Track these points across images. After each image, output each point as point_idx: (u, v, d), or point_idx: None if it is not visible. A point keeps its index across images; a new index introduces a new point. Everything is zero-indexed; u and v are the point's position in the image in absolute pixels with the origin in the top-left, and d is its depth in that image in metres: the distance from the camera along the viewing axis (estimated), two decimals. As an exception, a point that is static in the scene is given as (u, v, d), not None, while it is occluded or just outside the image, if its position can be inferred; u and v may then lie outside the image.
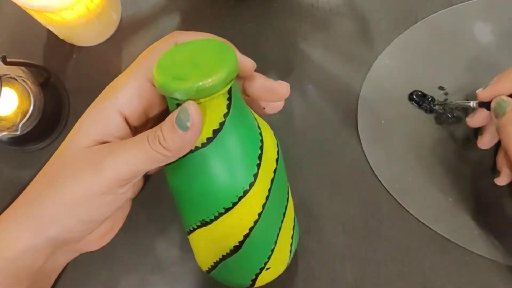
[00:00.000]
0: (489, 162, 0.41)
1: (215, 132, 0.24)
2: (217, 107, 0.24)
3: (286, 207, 0.30)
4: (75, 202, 0.24)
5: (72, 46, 0.44)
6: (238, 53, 0.25)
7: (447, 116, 0.42)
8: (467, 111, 0.42)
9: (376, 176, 0.41)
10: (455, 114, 0.42)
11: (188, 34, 0.26)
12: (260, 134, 0.27)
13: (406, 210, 0.41)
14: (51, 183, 0.25)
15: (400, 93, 0.43)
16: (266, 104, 0.29)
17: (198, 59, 0.24)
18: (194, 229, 0.28)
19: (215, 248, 0.28)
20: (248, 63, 0.26)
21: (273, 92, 0.27)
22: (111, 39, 0.45)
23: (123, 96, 0.25)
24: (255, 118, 0.27)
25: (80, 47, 0.44)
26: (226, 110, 0.24)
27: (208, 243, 0.28)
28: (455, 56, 0.43)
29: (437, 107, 0.42)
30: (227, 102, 0.24)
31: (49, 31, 0.44)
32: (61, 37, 0.43)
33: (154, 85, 0.25)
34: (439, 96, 0.42)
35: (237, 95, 0.25)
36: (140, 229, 0.40)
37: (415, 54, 0.43)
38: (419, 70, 0.43)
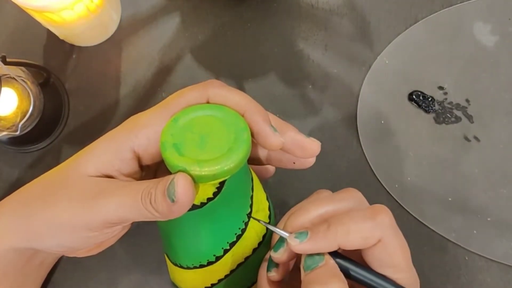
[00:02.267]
0: (489, 162, 0.41)
1: (202, 204, 0.24)
2: (209, 187, 0.24)
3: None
4: (60, 228, 0.24)
5: (72, 46, 0.44)
6: (267, 128, 0.24)
7: (446, 116, 0.42)
8: (467, 111, 0.42)
9: (376, 176, 0.41)
10: (454, 114, 0.42)
11: (223, 89, 0.25)
12: (247, 215, 0.26)
13: (406, 210, 0.41)
14: (46, 198, 0.25)
15: (400, 93, 0.43)
16: (297, 159, 0.28)
17: (209, 135, 0.23)
18: (174, 264, 0.28)
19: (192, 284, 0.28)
20: (274, 141, 0.25)
21: (302, 148, 0.26)
22: (111, 39, 0.45)
23: (142, 137, 0.24)
24: (250, 197, 0.26)
25: (80, 47, 0.44)
26: (215, 190, 0.24)
27: (185, 280, 0.28)
28: (455, 56, 0.43)
29: (436, 107, 0.42)
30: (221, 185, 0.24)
31: (49, 31, 0.44)
32: (61, 37, 0.43)
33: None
34: (439, 96, 0.42)
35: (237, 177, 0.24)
36: (140, 230, 0.40)
37: (415, 54, 0.43)
38: (419, 70, 0.43)
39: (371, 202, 0.42)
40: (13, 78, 0.39)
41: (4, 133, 0.38)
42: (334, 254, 0.24)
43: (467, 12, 0.44)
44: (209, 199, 0.24)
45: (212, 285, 0.27)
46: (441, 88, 0.43)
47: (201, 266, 0.26)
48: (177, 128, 0.23)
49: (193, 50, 0.44)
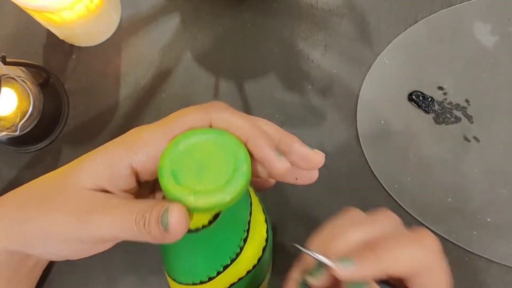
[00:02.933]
0: (489, 162, 0.41)
1: (197, 229, 0.24)
2: (205, 215, 0.23)
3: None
4: (52, 237, 0.24)
5: (71, 46, 0.44)
6: (271, 154, 0.23)
7: (446, 116, 0.42)
8: (466, 111, 0.42)
9: (376, 176, 0.41)
10: (454, 114, 0.42)
11: (226, 112, 0.24)
12: (243, 240, 0.26)
13: (405, 210, 0.41)
14: (41, 205, 0.25)
15: (400, 93, 0.43)
16: (300, 174, 0.27)
17: (208, 163, 0.22)
18: (170, 277, 0.28)
19: None
20: (279, 167, 0.24)
21: (307, 160, 0.26)
22: (111, 39, 0.45)
23: (142, 154, 0.24)
24: (246, 223, 0.26)
25: (79, 47, 0.44)
26: (211, 219, 0.23)
27: None
28: (455, 56, 0.43)
29: (436, 107, 0.42)
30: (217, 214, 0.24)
31: (49, 31, 0.44)
32: (60, 37, 0.43)
33: None
34: (438, 96, 0.42)
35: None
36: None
37: (414, 54, 0.43)
38: (419, 70, 0.43)
39: (371, 202, 0.42)
40: (13, 78, 0.39)
41: (4, 133, 0.38)
42: (379, 280, 0.23)
43: (467, 12, 0.44)
44: (204, 226, 0.23)
45: None
46: (441, 88, 0.43)
47: (194, 284, 0.26)
48: (177, 153, 0.23)
49: (193, 50, 0.44)
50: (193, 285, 0.26)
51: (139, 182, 0.26)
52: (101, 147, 0.25)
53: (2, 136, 0.39)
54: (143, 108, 0.43)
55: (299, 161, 0.25)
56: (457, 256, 0.40)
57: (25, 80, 0.39)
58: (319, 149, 0.42)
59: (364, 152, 0.42)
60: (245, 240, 0.25)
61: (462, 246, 0.40)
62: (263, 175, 0.26)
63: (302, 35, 0.44)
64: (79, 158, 0.26)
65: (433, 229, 0.40)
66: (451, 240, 0.40)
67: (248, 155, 0.23)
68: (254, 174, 0.26)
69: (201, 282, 0.26)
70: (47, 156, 0.43)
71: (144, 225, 0.22)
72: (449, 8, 0.44)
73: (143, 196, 0.27)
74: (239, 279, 0.27)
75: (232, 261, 0.25)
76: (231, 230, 0.25)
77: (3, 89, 0.38)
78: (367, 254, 0.23)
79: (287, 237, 0.41)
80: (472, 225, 0.40)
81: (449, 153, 0.41)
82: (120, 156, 0.24)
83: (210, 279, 0.26)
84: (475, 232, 0.40)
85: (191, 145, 0.23)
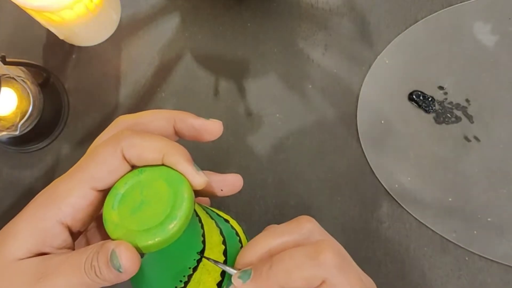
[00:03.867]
0: (489, 162, 0.41)
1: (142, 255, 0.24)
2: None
3: None
4: None
5: (71, 46, 0.44)
6: (189, 169, 0.23)
7: (446, 115, 0.42)
8: (467, 111, 0.42)
9: (376, 176, 0.41)
10: (454, 114, 0.42)
11: (135, 137, 0.24)
12: (198, 256, 0.26)
13: (405, 210, 0.41)
14: None
15: (400, 93, 0.43)
16: (223, 185, 0.28)
17: (148, 202, 0.23)
18: None
19: None
20: (198, 181, 0.24)
21: (204, 129, 0.26)
22: (110, 39, 0.45)
23: (66, 206, 0.23)
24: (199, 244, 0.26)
25: (79, 47, 0.44)
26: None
27: None
28: (455, 56, 0.43)
29: (436, 106, 0.42)
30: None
31: (48, 31, 0.44)
32: (60, 37, 0.43)
33: (98, 192, 0.24)
34: (439, 96, 0.42)
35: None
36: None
37: (414, 54, 0.43)
38: (419, 70, 0.43)
39: (371, 202, 0.42)
40: (13, 78, 0.39)
41: (4, 133, 0.38)
42: None
43: (467, 12, 0.44)
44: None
45: None
46: (441, 88, 0.43)
47: None
48: (118, 198, 0.23)
49: (193, 50, 0.44)
50: None
51: (72, 234, 0.25)
52: (25, 211, 0.24)
53: (2, 136, 0.39)
54: (143, 108, 0.43)
55: (197, 133, 0.26)
56: (457, 256, 0.40)
57: (25, 80, 0.39)
58: (319, 149, 0.42)
59: (364, 152, 0.42)
60: (201, 252, 0.25)
61: (462, 246, 0.40)
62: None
63: (302, 35, 0.44)
64: (3, 229, 0.25)
65: (433, 229, 0.40)
66: (451, 240, 0.40)
67: (189, 186, 0.23)
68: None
69: None
70: (47, 156, 0.43)
71: (95, 273, 0.22)
72: (449, 8, 0.44)
73: (81, 247, 0.26)
74: None
75: (195, 269, 0.25)
76: (180, 254, 0.25)
77: (3, 89, 0.38)
78: (264, 268, 0.22)
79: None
80: (472, 225, 0.40)
81: (450, 153, 0.41)
82: (44, 216, 0.24)
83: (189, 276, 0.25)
84: (475, 232, 0.40)
85: (132, 186, 0.23)
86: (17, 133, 0.39)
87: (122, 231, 0.22)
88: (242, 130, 0.43)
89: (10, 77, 0.39)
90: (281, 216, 0.41)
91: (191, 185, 0.23)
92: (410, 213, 0.40)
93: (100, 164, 0.24)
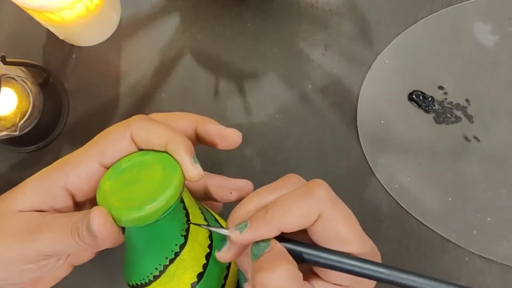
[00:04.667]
0: (489, 162, 0.41)
1: (122, 230, 0.25)
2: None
3: None
4: None
5: (71, 46, 0.44)
6: (186, 160, 0.24)
7: (446, 115, 0.42)
8: (467, 111, 0.42)
9: (376, 176, 0.41)
10: (454, 114, 0.42)
11: (145, 122, 0.25)
12: (178, 246, 0.26)
13: (405, 210, 0.41)
14: None
15: (400, 93, 0.43)
16: (233, 188, 0.29)
17: (141, 180, 0.24)
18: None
19: None
20: (192, 173, 0.24)
21: (223, 137, 0.27)
22: (110, 39, 0.45)
23: (73, 175, 0.25)
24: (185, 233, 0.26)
25: (79, 47, 0.44)
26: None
27: None
28: (455, 56, 0.43)
29: (436, 106, 0.42)
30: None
31: (49, 31, 0.44)
32: (60, 37, 0.43)
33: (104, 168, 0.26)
34: (439, 96, 0.42)
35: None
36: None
37: (414, 54, 0.43)
38: (419, 70, 0.43)
39: (371, 202, 0.42)
40: (13, 78, 0.39)
41: (4, 133, 0.38)
42: (282, 239, 0.23)
43: (467, 12, 0.44)
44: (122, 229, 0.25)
45: None
46: (441, 88, 0.43)
47: (142, 284, 0.26)
48: (116, 173, 0.25)
49: (193, 50, 0.44)
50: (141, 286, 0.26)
51: (76, 203, 0.26)
52: (37, 173, 0.26)
53: (2, 136, 0.39)
54: (143, 108, 0.43)
55: (216, 139, 0.27)
56: (457, 256, 0.40)
57: (25, 80, 0.39)
58: (319, 149, 0.42)
59: (364, 152, 0.42)
60: (181, 247, 0.26)
61: (462, 246, 0.40)
62: (199, 192, 0.28)
63: (302, 35, 0.44)
64: (11, 189, 0.27)
65: (433, 228, 0.40)
66: (451, 240, 0.40)
67: (181, 176, 0.24)
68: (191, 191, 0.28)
69: (149, 282, 0.26)
70: (47, 156, 0.43)
71: (78, 235, 0.23)
72: (449, 8, 0.44)
73: None
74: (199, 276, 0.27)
75: (171, 260, 0.25)
76: (167, 233, 0.25)
77: (3, 89, 0.38)
78: (260, 214, 0.23)
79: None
80: (472, 225, 0.40)
81: (450, 153, 0.41)
82: (53, 179, 0.25)
83: (155, 277, 0.26)
84: (475, 232, 0.40)
85: (132, 164, 0.25)
86: (17, 133, 0.39)
87: (108, 200, 0.23)
88: (242, 130, 0.43)
89: (10, 77, 0.39)
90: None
91: (185, 176, 0.24)
92: (410, 213, 0.40)
93: (110, 142, 0.25)
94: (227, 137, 0.27)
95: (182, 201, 0.25)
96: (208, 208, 0.29)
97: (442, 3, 0.44)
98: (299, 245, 0.23)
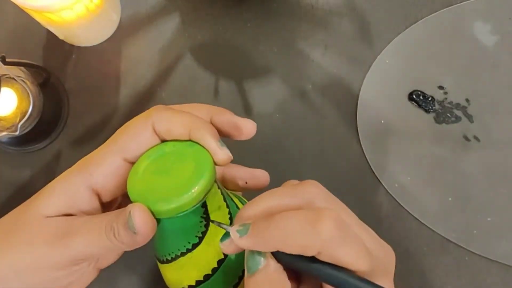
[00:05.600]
0: (489, 162, 0.41)
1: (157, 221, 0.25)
2: None
3: None
4: (25, 270, 0.24)
5: (71, 46, 0.44)
6: (213, 144, 0.24)
7: (446, 115, 0.42)
8: (467, 111, 0.42)
9: (376, 176, 0.41)
10: (454, 114, 0.42)
11: (166, 112, 0.25)
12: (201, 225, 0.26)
13: (405, 210, 0.41)
14: (5, 242, 0.25)
15: (400, 93, 0.43)
16: (249, 177, 0.29)
17: (172, 171, 0.24)
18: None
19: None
20: (221, 156, 0.24)
21: (238, 127, 0.27)
22: (110, 39, 0.45)
23: (98, 174, 0.25)
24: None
25: (79, 47, 0.44)
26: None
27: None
28: (455, 56, 0.43)
29: (436, 106, 0.42)
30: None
31: (48, 31, 0.44)
32: (60, 37, 0.43)
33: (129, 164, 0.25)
34: (439, 95, 0.42)
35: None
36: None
37: (414, 54, 0.43)
38: (419, 69, 0.43)
39: (371, 202, 0.42)
40: (13, 78, 0.39)
41: (4, 133, 0.38)
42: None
43: (467, 11, 0.44)
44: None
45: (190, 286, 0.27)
46: (441, 87, 0.43)
47: (171, 259, 0.27)
48: (144, 165, 0.24)
49: (193, 50, 0.44)
50: (170, 261, 0.27)
51: (102, 204, 0.26)
52: (60, 175, 0.26)
53: (2, 136, 0.39)
54: (143, 108, 0.43)
55: (231, 129, 0.27)
56: (457, 256, 0.40)
57: (25, 80, 0.39)
58: (319, 149, 0.42)
59: (364, 152, 0.42)
60: (203, 233, 0.26)
61: (462, 246, 0.40)
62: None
63: (302, 35, 0.44)
64: (35, 194, 0.26)
65: (433, 228, 0.40)
66: (451, 240, 0.40)
67: (212, 164, 0.24)
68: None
69: (175, 257, 0.27)
70: (47, 156, 0.43)
71: (114, 235, 0.23)
72: (449, 8, 0.44)
73: None
74: (213, 271, 0.27)
75: (195, 245, 0.26)
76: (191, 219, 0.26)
77: (3, 89, 0.38)
78: (263, 226, 0.21)
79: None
80: (472, 224, 0.40)
81: (449, 153, 0.41)
82: (75, 180, 0.25)
83: (182, 254, 0.26)
84: (475, 232, 0.40)
85: (159, 156, 0.25)
86: (17, 133, 0.39)
87: (142, 195, 0.23)
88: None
89: (10, 77, 0.39)
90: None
91: (215, 160, 0.24)
92: (410, 213, 0.40)
93: (131, 135, 0.25)
94: (242, 128, 0.27)
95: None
96: (230, 193, 0.29)
97: (442, 3, 0.44)
98: (297, 259, 0.22)
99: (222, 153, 0.24)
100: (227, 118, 0.27)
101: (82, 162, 0.26)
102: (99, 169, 0.25)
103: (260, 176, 0.29)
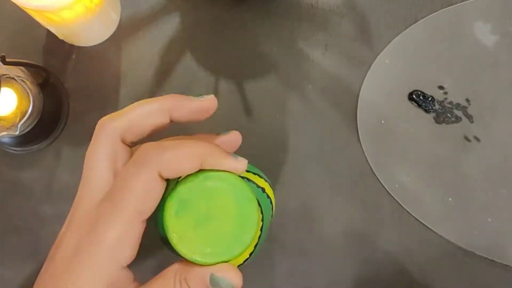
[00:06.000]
0: (489, 162, 0.41)
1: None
2: None
3: None
4: None
5: (71, 46, 0.44)
6: (232, 161, 0.23)
7: (446, 115, 0.42)
8: (467, 111, 0.42)
9: (376, 176, 0.41)
10: (455, 114, 0.42)
11: (168, 153, 0.23)
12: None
13: (406, 210, 0.41)
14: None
15: (400, 93, 0.43)
16: (225, 146, 0.28)
17: (212, 214, 0.22)
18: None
19: None
20: (240, 167, 0.23)
21: (202, 111, 0.26)
22: (110, 39, 0.45)
23: (125, 250, 0.23)
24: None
25: (79, 47, 0.44)
26: None
27: None
28: (455, 56, 0.43)
29: (436, 106, 0.42)
30: None
31: (48, 31, 0.44)
32: (60, 37, 0.43)
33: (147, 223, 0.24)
34: (439, 95, 0.42)
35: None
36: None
37: (414, 54, 0.43)
38: (419, 69, 0.43)
39: (371, 202, 0.42)
40: (13, 78, 0.39)
41: (4, 133, 0.38)
42: None
43: (467, 11, 0.44)
44: None
45: None
46: (441, 87, 0.43)
47: None
48: (181, 207, 0.22)
49: (193, 50, 0.44)
50: None
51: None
52: (78, 261, 0.23)
53: (2, 136, 0.39)
54: (143, 108, 0.43)
55: (196, 115, 0.26)
56: (457, 256, 0.40)
57: (25, 80, 0.39)
58: (319, 149, 0.42)
59: (365, 152, 0.42)
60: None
61: (462, 246, 0.40)
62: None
63: (302, 35, 0.44)
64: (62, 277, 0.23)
65: (433, 229, 0.40)
66: (451, 240, 0.40)
67: (257, 205, 0.22)
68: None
69: None
70: (47, 156, 0.43)
71: None
72: (449, 8, 0.44)
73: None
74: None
75: None
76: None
77: (3, 89, 0.38)
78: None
79: (287, 237, 0.41)
80: (472, 225, 0.40)
81: (450, 153, 0.41)
82: (105, 263, 0.23)
83: None
84: (475, 232, 0.40)
85: (196, 194, 0.22)
86: (17, 133, 0.39)
87: (188, 245, 0.22)
88: (242, 130, 0.43)
89: (10, 77, 0.39)
90: (281, 216, 0.41)
91: (237, 173, 0.23)
92: (410, 213, 0.40)
93: (142, 196, 0.22)
94: (207, 109, 0.26)
95: None
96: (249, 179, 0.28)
97: (442, 3, 0.44)
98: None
99: (240, 165, 0.23)
100: (189, 108, 0.25)
101: (98, 239, 0.23)
102: (123, 249, 0.23)
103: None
